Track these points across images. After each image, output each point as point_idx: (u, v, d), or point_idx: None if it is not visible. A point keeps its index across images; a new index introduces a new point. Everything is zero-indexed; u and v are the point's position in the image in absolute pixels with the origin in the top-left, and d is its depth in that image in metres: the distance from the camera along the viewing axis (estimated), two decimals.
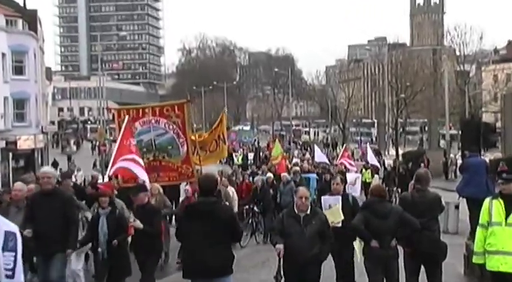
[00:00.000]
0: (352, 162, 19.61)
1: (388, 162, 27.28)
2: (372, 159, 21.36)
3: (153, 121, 9.81)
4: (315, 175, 15.43)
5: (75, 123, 78.54)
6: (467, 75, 44.65)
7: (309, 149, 41.77)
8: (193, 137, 10.32)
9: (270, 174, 13.71)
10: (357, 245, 6.80)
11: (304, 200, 5.78)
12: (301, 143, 55.43)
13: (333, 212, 6.78)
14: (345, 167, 17.92)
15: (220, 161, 17.25)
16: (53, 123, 58.53)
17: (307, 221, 5.73)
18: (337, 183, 7.38)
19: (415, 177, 6.74)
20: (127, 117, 9.35)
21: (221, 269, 5.16)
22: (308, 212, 5.79)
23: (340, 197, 7.06)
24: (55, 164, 32.92)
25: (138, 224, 7.02)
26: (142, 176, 8.40)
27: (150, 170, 9.41)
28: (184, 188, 10.57)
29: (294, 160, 25.03)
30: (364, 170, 19.91)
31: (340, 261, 7.14)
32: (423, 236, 6.29)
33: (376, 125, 55.28)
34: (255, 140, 46.30)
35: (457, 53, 46.66)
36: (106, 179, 9.14)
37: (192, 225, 5.22)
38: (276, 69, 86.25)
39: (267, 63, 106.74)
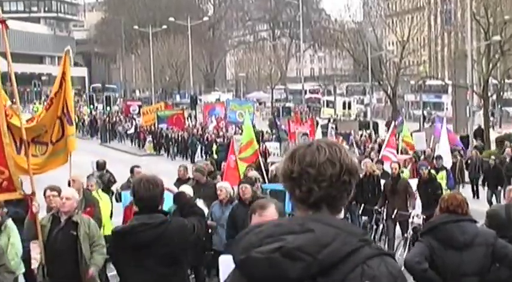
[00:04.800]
0: (394, 152, 19.57)
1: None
2: (444, 151, 19.91)
3: None
4: None
5: None
6: None
7: (332, 131, 37.03)
8: (14, 121, 8.41)
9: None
10: None
11: None
12: (320, 121, 47.66)
13: None
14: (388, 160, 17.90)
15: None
16: None
17: None
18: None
19: None
20: None
21: None
22: None
23: None
24: None
25: None
26: None
27: None
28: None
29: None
30: (433, 171, 16.72)
31: None
32: None
33: (450, 89, 50.63)
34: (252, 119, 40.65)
35: None
36: None
37: (130, 261, 5.19)
38: None
39: None
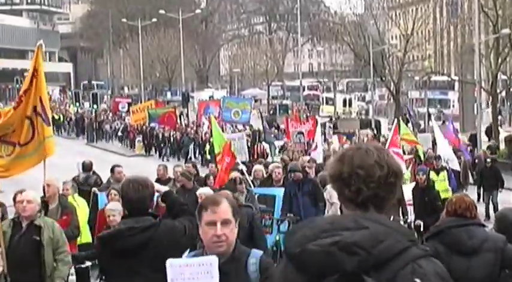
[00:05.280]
0: (401, 153, 19.38)
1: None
2: (447, 152, 20.41)
3: None
4: (282, 190, 13.41)
5: None
6: None
7: (330, 130, 38.44)
8: None
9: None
10: None
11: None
12: (319, 119, 46.87)
13: None
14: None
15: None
16: None
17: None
18: None
19: None
20: None
21: None
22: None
23: None
24: None
25: None
26: None
27: None
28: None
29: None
30: (432, 173, 17.73)
31: None
32: None
33: (457, 86, 51.96)
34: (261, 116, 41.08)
35: None
36: None
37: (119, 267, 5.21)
38: None
39: None
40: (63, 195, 10.54)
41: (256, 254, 4.45)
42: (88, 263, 8.58)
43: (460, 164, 21.21)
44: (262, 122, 32.06)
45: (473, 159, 24.08)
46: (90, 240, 10.59)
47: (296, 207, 12.72)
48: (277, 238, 12.55)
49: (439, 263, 2.57)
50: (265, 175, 14.97)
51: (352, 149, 2.61)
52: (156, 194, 5.88)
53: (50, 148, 8.99)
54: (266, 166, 16.96)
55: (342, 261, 2.42)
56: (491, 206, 19.45)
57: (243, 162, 18.35)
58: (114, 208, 9.28)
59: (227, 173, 14.91)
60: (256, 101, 68.49)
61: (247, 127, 37.19)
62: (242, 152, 21.72)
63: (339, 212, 13.24)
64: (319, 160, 19.42)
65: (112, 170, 13.27)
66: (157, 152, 38.66)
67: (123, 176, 12.51)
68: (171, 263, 4.45)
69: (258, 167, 15.72)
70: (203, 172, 17.76)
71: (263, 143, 30.85)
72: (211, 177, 14.69)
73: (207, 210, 4.13)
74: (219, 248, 4.18)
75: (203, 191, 10.75)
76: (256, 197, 13.12)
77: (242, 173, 14.67)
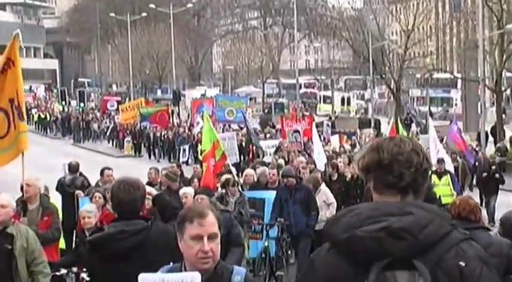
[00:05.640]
0: None
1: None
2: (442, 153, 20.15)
3: None
4: (273, 194, 13.39)
5: None
6: None
7: (328, 129, 38.58)
8: None
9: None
10: None
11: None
12: (316, 118, 47.33)
13: None
14: None
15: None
16: None
17: None
18: None
19: None
20: None
21: None
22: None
23: None
24: None
25: None
26: None
27: None
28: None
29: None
30: (434, 176, 17.76)
31: None
32: None
33: (460, 84, 51.54)
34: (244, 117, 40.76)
35: None
36: None
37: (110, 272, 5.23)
38: None
39: None
40: (45, 195, 10.32)
41: (240, 270, 4.31)
42: (63, 271, 8.40)
43: (458, 166, 21.05)
44: (246, 122, 31.81)
45: (474, 162, 23.99)
46: (63, 246, 10.35)
47: (286, 214, 12.55)
48: (266, 244, 12.43)
49: (479, 246, 2.71)
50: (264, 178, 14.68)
51: (386, 139, 2.84)
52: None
53: (25, 143, 8.77)
54: (265, 165, 16.68)
55: (390, 246, 2.58)
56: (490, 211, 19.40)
57: (233, 164, 18.00)
58: (90, 210, 9.04)
59: (215, 176, 14.77)
60: (250, 99, 69.16)
61: (243, 127, 36.88)
62: (232, 153, 21.29)
63: (334, 212, 12.92)
64: (321, 165, 18.87)
65: (101, 173, 13.15)
66: (148, 152, 38.42)
67: (113, 179, 12.34)
68: (143, 278, 4.21)
69: (249, 171, 15.47)
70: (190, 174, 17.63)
71: (261, 142, 30.43)
72: (196, 180, 14.51)
73: (193, 223, 3.94)
74: (204, 264, 3.98)
75: (187, 191, 10.50)
76: (246, 198, 12.90)
77: (232, 175, 14.43)
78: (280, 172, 14.16)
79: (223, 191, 12.60)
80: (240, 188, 13.57)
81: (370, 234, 2.59)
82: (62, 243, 10.38)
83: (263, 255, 12.28)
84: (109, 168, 13.32)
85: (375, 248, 2.58)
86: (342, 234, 2.65)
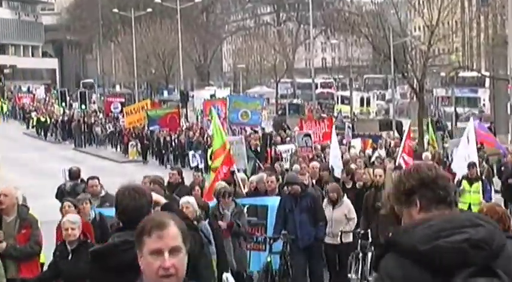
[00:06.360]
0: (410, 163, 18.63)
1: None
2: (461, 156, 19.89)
3: None
4: (277, 200, 13.37)
5: None
6: None
7: (350, 132, 38.24)
8: None
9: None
10: None
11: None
12: (334, 119, 47.68)
13: None
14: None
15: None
16: None
17: None
18: None
19: None
20: None
21: None
22: None
23: None
24: None
25: None
26: None
27: None
28: None
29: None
30: (464, 182, 17.80)
31: None
32: None
33: (488, 82, 53.12)
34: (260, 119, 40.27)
35: None
36: None
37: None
38: None
39: None
40: (24, 205, 10.14)
41: None
42: None
43: (483, 171, 20.67)
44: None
45: (500, 166, 24.06)
46: (45, 260, 10.18)
47: (291, 225, 12.27)
48: (269, 259, 12.21)
49: None
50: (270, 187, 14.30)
51: (412, 166, 3.44)
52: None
53: None
54: (280, 173, 16.48)
55: (473, 256, 3.00)
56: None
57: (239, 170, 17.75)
58: (74, 221, 8.76)
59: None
60: (263, 99, 69.63)
61: (258, 130, 36.56)
62: (240, 158, 21.08)
63: (353, 228, 13.37)
64: (338, 171, 18.66)
65: (86, 182, 13.02)
66: (157, 158, 38.21)
67: (99, 189, 12.41)
68: None
69: (253, 178, 15.34)
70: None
71: (278, 146, 30.23)
72: (197, 188, 14.22)
73: (151, 236, 3.73)
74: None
75: (188, 200, 10.39)
76: (245, 208, 12.82)
77: (235, 183, 14.37)
78: (285, 179, 14.03)
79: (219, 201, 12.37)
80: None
81: (453, 245, 3.00)
82: (43, 258, 10.12)
83: (265, 270, 12.13)
84: (93, 178, 12.96)
85: (459, 258, 2.99)
86: (421, 245, 3.02)
